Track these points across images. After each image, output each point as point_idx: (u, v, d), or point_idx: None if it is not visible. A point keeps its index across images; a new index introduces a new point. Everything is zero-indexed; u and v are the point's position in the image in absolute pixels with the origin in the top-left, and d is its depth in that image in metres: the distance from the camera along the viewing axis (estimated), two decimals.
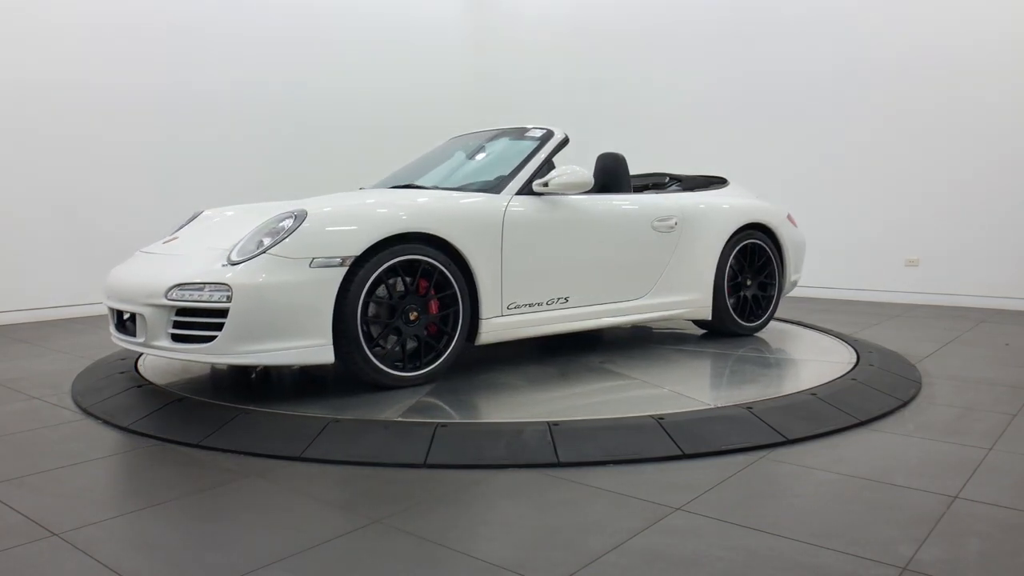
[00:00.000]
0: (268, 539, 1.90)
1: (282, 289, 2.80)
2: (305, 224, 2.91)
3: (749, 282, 4.35)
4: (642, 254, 3.92)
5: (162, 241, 3.58)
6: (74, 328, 5.26)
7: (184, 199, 6.03)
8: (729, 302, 4.21)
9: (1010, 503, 2.10)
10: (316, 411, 2.80)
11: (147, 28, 6.09)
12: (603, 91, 8.01)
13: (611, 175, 4.06)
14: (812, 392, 3.04)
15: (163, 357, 3.31)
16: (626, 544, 1.85)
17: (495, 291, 3.35)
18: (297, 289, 2.82)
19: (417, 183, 3.97)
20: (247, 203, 3.95)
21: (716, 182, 4.61)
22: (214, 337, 2.79)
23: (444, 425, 2.62)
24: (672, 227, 4.00)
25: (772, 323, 4.64)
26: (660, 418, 2.66)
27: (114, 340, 3.25)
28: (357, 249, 2.92)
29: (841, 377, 3.30)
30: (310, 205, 3.06)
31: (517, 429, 2.57)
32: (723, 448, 2.53)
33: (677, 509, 2.06)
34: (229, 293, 2.76)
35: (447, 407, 2.91)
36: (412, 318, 3.11)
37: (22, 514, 2.06)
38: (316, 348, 2.87)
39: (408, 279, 3.09)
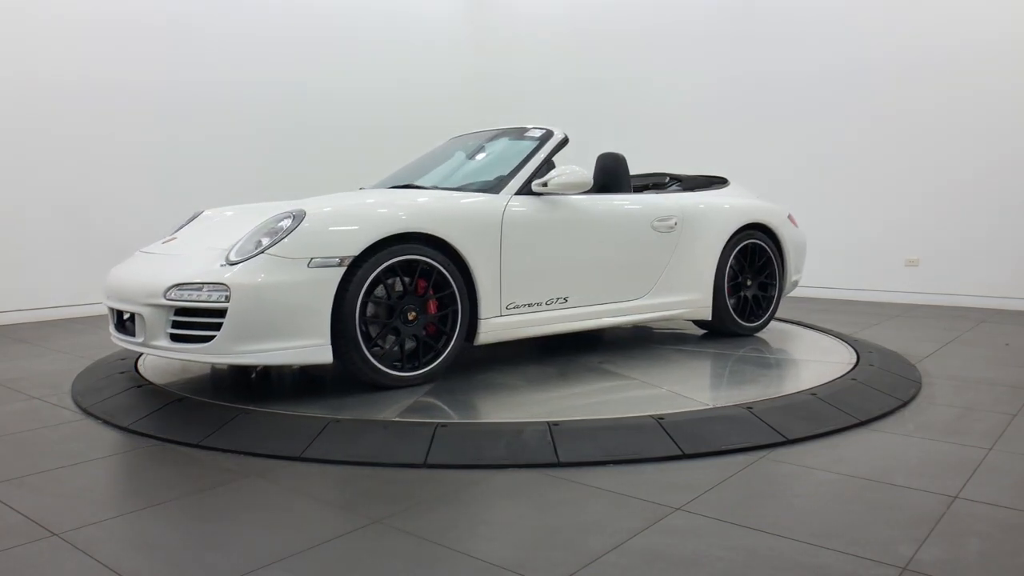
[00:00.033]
0: (268, 539, 1.89)
1: (280, 289, 2.80)
2: (303, 224, 2.91)
3: (749, 282, 4.35)
4: (642, 254, 3.92)
5: (161, 241, 3.58)
6: (74, 328, 5.26)
7: (184, 199, 6.03)
8: (729, 302, 4.21)
9: (1010, 503, 2.10)
10: (315, 411, 2.80)
11: (147, 28, 6.09)
12: (603, 91, 8.01)
13: (611, 175, 4.06)
14: (812, 392, 3.04)
15: (162, 357, 3.31)
16: (626, 544, 1.85)
17: (494, 291, 3.35)
18: (295, 289, 2.82)
19: (417, 183, 3.97)
20: (247, 203, 3.94)
21: (717, 182, 4.61)
22: (212, 337, 2.79)
23: (444, 425, 2.61)
24: (672, 227, 4.00)
25: (772, 323, 4.64)
26: (660, 418, 2.66)
27: (114, 340, 3.25)
28: (355, 249, 2.92)
29: (841, 377, 3.30)
30: (309, 205, 3.05)
31: (517, 429, 2.57)
32: (723, 448, 2.53)
33: (677, 509, 2.06)
34: (227, 293, 2.76)
35: (446, 407, 2.91)
36: (410, 318, 3.11)
37: (22, 514, 2.06)
38: (314, 348, 2.87)
39: (407, 279, 3.09)
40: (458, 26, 8.65)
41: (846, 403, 2.95)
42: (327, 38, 7.36)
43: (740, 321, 4.28)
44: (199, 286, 2.82)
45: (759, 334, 4.42)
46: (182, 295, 2.84)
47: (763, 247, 4.37)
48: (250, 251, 2.88)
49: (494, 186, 3.55)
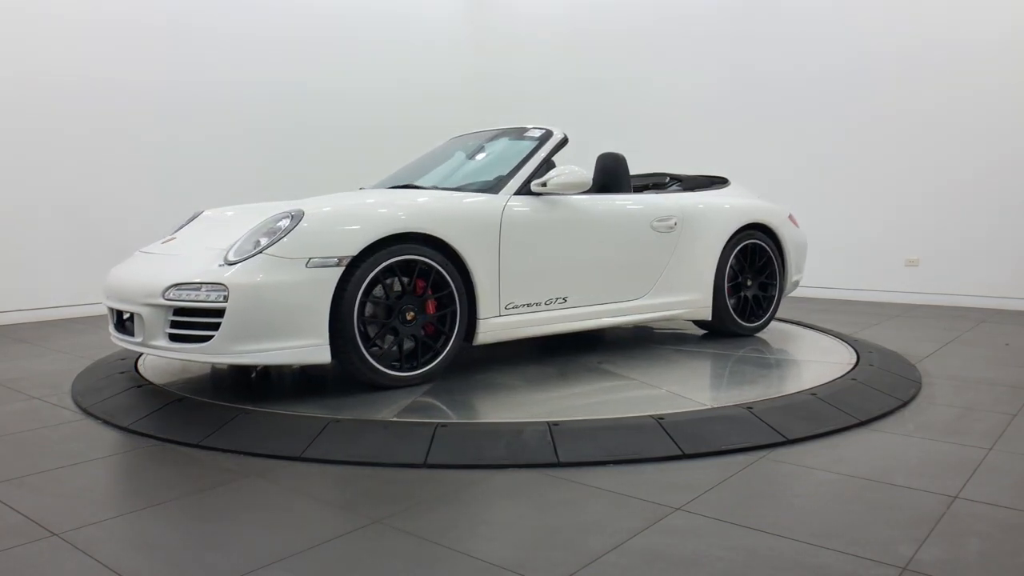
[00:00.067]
0: (268, 539, 1.89)
1: (278, 289, 2.80)
2: (302, 224, 2.91)
3: (750, 282, 4.34)
4: (641, 254, 3.92)
5: (161, 241, 3.58)
6: (74, 328, 5.26)
7: (184, 199, 6.03)
8: (729, 302, 4.20)
9: (1010, 503, 2.10)
10: (315, 411, 2.80)
11: (147, 28, 6.09)
12: (603, 91, 8.01)
13: (611, 175, 4.06)
14: (812, 392, 3.03)
15: (161, 357, 3.31)
16: (626, 544, 1.85)
17: (493, 291, 3.35)
18: (293, 289, 2.82)
19: (416, 183, 3.97)
20: (247, 203, 3.94)
21: (717, 182, 4.61)
22: (211, 337, 2.79)
23: (444, 425, 2.61)
24: (672, 227, 4.00)
25: (772, 323, 4.64)
26: (660, 418, 2.66)
27: (113, 340, 3.25)
28: (354, 249, 2.92)
29: (841, 377, 3.30)
30: (308, 205, 3.06)
31: (517, 429, 2.57)
32: (723, 448, 2.53)
33: (677, 509, 2.06)
34: (226, 293, 2.76)
35: (445, 407, 2.91)
36: (409, 318, 3.11)
37: (22, 514, 2.06)
38: (312, 348, 2.87)
39: (405, 279, 3.09)
40: (458, 26, 8.65)
41: (846, 403, 2.95)
42: (327, 38, 7.36)
43: (740, 321, 4.28)
44: (197, 286, 2.83)
45: (759, 334, 4.42)
46: (180, 295, 2.84)
47: (763, 247, 4.36)
48: (248, 251, 2.88)
49: (493, 186, 3.55)
